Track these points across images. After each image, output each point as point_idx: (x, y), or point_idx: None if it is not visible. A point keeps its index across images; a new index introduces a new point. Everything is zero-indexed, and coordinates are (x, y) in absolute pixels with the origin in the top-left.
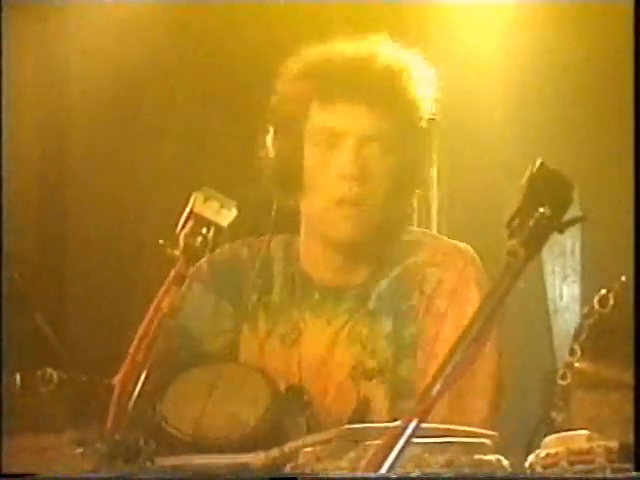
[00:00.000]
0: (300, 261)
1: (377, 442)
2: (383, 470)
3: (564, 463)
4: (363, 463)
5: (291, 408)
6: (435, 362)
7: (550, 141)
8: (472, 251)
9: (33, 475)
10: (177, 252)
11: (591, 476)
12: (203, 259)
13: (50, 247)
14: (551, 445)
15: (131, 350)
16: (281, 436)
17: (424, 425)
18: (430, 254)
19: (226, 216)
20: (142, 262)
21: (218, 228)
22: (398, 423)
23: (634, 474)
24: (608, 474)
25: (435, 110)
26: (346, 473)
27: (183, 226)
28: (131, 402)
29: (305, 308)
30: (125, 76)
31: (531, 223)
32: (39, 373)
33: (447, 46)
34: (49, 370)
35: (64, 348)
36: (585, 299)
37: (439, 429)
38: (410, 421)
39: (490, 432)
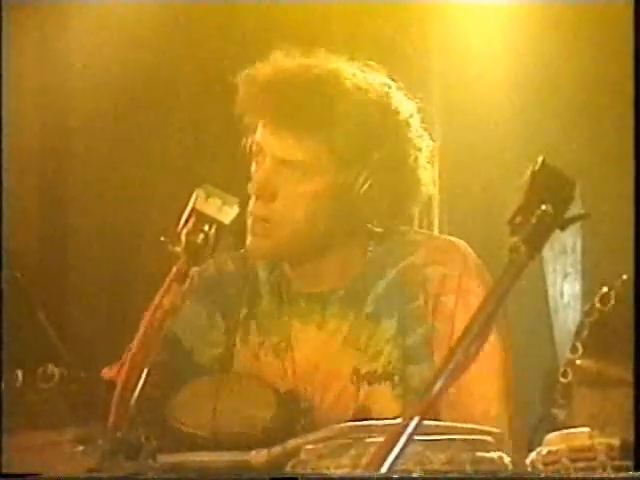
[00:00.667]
0: (284, 269)
1: (379, 439)
2: (384, 468)
3: (565, 460)
4: (364, 460)
5: (291, 414)
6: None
7: (551, 139)
8: (467, 245)
9: (35, 475)
10: (179, 249)
11: (595, 476)
12: (194, 272)
13: (51, 245)
14: (552, 442)
15: (133, 347)
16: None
17: (426, 422)
18: (427, 252)
19: (228, 213)
20: (143, 259)
21: (220, 225)
22: (399, 420)
23: (634, 474)
24: (609, 471)
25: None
26: (347, 471)
27: (185, 223)
28: (133, 399)
29: (293, 316)
30: (125, 75)
31: (533, 220)
32: (40, 370)
33: (447, 46)
34: (50, 367)
35: (65, 345)
36: (586, 297)
37: (441, 426)
38: (411, 418)
39: (492, 429)
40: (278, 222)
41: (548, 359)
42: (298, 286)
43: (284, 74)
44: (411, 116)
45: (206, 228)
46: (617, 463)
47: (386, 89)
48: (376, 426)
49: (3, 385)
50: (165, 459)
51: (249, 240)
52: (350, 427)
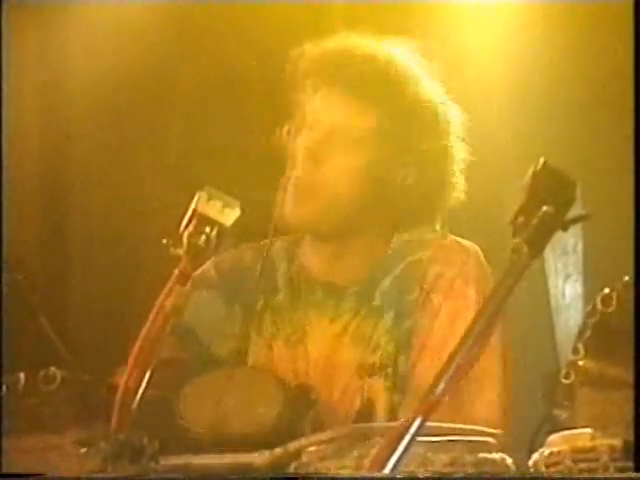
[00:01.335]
0: (302, 258)
1: (381, 441)
2: (387, 469)
3: (568, 461)
4: (367, 462)
5: (300, 407)
6: (428, 355)
7: (552, 139)
8: (477, 248)
9: (37, 475)
10: (180, 251)
11: (596, 476)
12: (210, 264)
13: (53, 248)
14: (555, 444)
15: (135, 350)
16: (295, 434)
17: (428, 424)
18: (433, 251)
19: (230, 215)
20: (145, 261)
21: (221, 227)
22: (402, 422)
23: (634, 475)
24: (612, 472)
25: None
26: (350, 472)
27: (186, 225)
28: (135, 402)
29: (309, 307)
30: (126, 76)
31: (535, 221)
32: (42, 372)
33: (448, 45)
34: (52, 369)
35: (67, 348)
36: (588, 298)
37: (443, 428)
38: (414, 420)
39: (494, 430)
40: (322, 188)
41: (550, 360)
42: (318, 275)
43: (354, 51)
44: (454, 122)
45: (207, 230)
46: (619, 464)
47: (437, 90)
48: (378, 427)
49: (4, 388)
50: (167, 461)
51: (287, 207)
52: (352, 428)
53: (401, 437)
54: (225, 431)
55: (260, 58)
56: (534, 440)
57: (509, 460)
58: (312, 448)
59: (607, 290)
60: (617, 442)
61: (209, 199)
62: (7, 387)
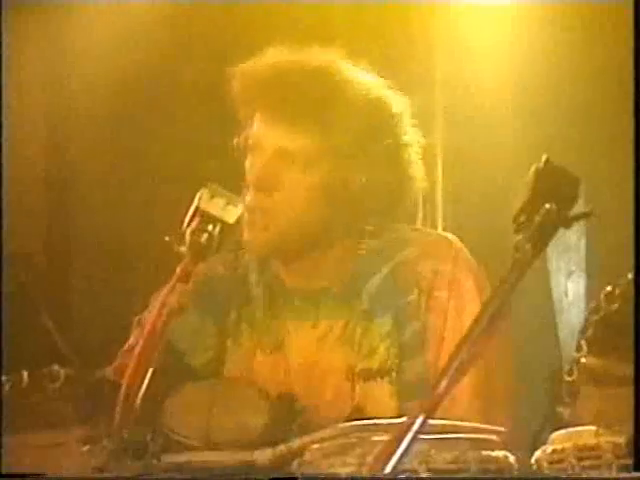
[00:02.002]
0: (273, 269)
1: (384, 438)
2: (389, 467)
3: (571, 459)
4: (370, 459)
5: (286, 416)
6: (446, 354)
7: (555, 137)
8: (458, 240)
9: (38, 475)
10: (183, 249)
11: (600, 475)
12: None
13: (56, 247)
14: (558, 441)
15: (138, 348)
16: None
17: (431, 421)
18: (420, 248)
19: (232, 213)
20: (148, 259)
21: (224, 225)
22: (405, 419)
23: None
24: (615, 470)
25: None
26: (353, 469)
27: (189, 223)
28: (138, 399)
29: (287, 314)
30: (127, 75)
31: (537, 219)
32: (46, 370)
33: (450, 45)
34: (56, 367)
35: (71, 346)
36: (590, 295)
37: (446, 425)
38: (417, 417)
39: (497, 428)
40: (278, 214)
41: (553, 357)
42: (292, 284)
43: (283, 67)
44: (402, 112)
45: (210, 228)
46: (623, 461)
47: (378, 85)
48: (381, 425)
49: (7, 386)
50: (170, 459)
51: (246, 234)
52: (355, 426)
53: (404, 434)
54: (215, 441)
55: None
56: (537, 438)
57: (512, 458)
58: (315, 445)
59: (610, 287)
60: (621, 440)
61: (212, 197)
62: (11, 385)
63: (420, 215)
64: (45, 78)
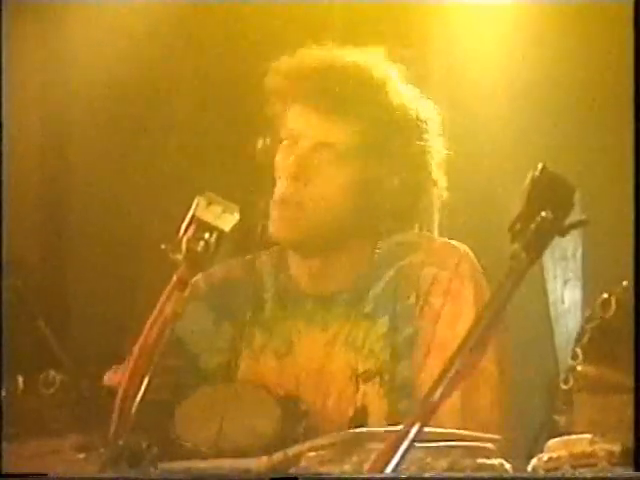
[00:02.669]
0: (289, 271)
1: (380, 446)
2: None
3: (567, 467)
4: (366, 467)
5: (293, 419)
6: (431, 361)
7: (552, 145)
8: (466, 248)
9: (38, 475)
10: (179, 257)
11: (593, 475)
12: (199, 276)
13: (51, 253)
14: (554, 449)
15: (133, 355)
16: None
17: (427, 429)
18: (425, 254)
19: (228, 221)
20: (144, 267)
21: (220, 233)
22: (401, 427)
23: (633, 474)
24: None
25: (432, 131)
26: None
27: (185, 231)
28: (134, 407)
29: (299, 318)
30: (125, 77)
31: (533, 227)
32: (42, 376)
33: (447, 47)
34: (52, 373)
35: (67, 352)
36: (587, 303)
37: (442, 433)
38: (412, 425)
39: (493, 436)
40: (311, 206)
41: (549, 365)
42: (305, 287)
43: (322, 62)
44: (430, 120)
45: (206, 236)
46: (618, 469)
47: (409, 88)
48: (378, 432)
49: (4, 392)
50: (167, 466)
51: (275, 226)
52: (351, 434)
53: (400, 442)
54: (224, 448)
55: (252, 63)
56: (533, 445)
57: (508, 465)
58: (311, 453)
59: (606, 295)
60: (616, 448)
61: (208, 204)
62: (6, 391)
63: (436, 221)
64: (44, 78)
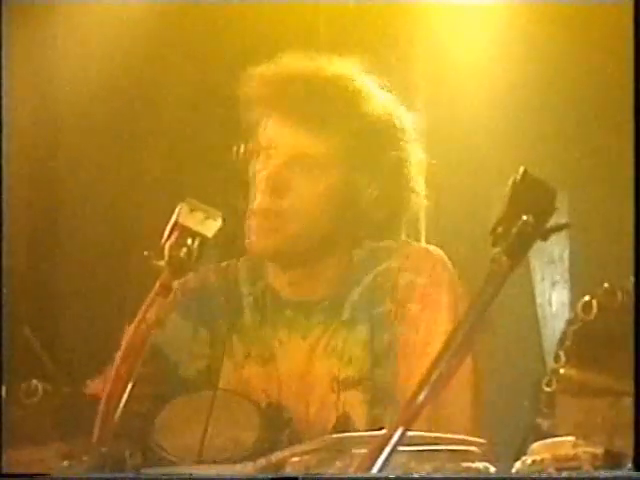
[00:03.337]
0: (268, 279)
1: (364, 451)
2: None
3: (550, 470)
4: (351, 471)
5: (275, 427)
6: (411, 366)
7: (537, 148)
8: (441, 253)
9: (39, 475)
10: (162, 263)
11: (581, 475)
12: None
13: (37, 260)
14: (537, 452)
15: (116, 362)
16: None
17: (411, 433)
18: (401, 260)
19: (211, 227)
20: (130, 274)
21: (203, 239)
22: (384, 431)
23: (633, 473)
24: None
25: (413, 140)
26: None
27: (168, 237)
28: (117, 415)
29: (278, 326)
30: (112, 83)
31: (514, 231)
32: (24, 385)
33: (437, 47)
34: (34, 382)
35: (51, 360)
36: (574, 305)
37: (426, 437)
38: (396, 429)
39: (477, 439)
40: (289, 217)
41: (537, 368)
42: (286, 295)
43: (297, 72)
44: (409, 127)
45: (189, 242)
46: (602, 472)
47: (388, 98)
48: (361, 437)
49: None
50: (150, 471)
51: (253, 238)
52: (335, 439)
53: (383, 447)
54: (207, 457)
55: (235, 69)
56: (518, 449)
57: (492, 469)
58: (295, 459)
59: (587, 297)
60: (599, 450)
61: (191, 210)
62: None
63: (423, 228)
64: (44, 78)
